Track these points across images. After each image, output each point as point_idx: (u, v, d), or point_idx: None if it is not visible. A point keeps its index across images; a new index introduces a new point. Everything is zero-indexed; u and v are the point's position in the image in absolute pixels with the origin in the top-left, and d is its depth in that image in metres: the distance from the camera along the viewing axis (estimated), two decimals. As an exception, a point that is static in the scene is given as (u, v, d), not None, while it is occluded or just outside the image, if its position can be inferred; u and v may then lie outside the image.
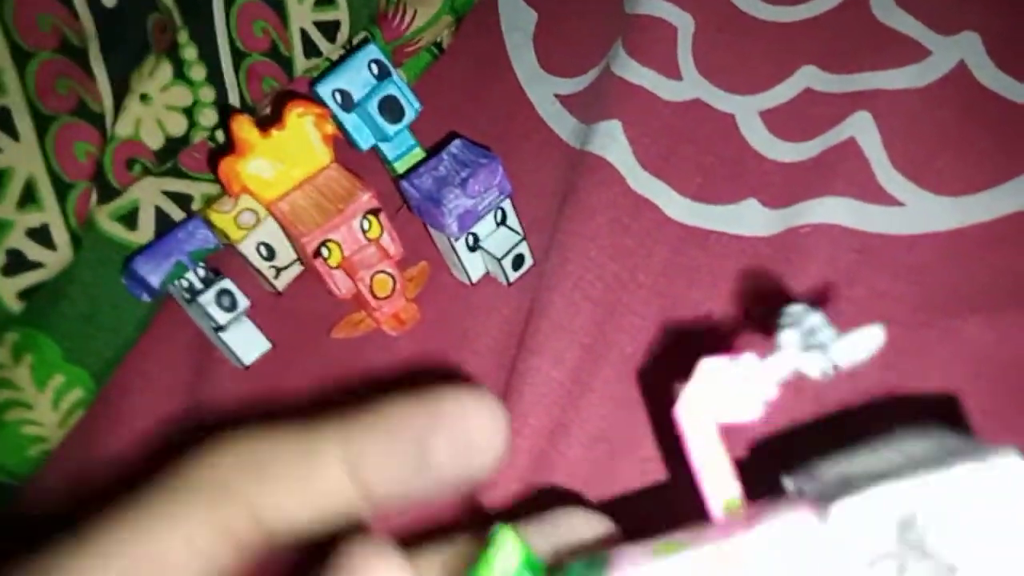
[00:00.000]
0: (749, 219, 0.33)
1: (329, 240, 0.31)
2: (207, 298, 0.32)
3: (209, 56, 0.35)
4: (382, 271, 0.31)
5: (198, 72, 0.35)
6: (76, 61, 0.32)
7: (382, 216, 0.32)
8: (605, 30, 0.40)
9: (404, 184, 0.33)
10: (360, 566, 0.14)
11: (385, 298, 0.32)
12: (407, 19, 0.39)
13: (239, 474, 0.15)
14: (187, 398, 0.36)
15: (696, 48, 0.37)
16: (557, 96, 0.39)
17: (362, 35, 0.39)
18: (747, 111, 0.35)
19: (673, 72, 0.37)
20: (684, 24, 0.37)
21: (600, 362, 0.31)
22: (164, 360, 0.36)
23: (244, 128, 0.30)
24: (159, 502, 0.15)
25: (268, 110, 0.36)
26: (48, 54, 0.31)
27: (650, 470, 0.29)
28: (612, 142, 0.35)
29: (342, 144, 0.35)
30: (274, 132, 0.31)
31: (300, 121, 0.31)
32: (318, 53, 0.37)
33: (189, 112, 0.35)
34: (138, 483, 0.15)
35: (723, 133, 0.35)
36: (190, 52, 0.34)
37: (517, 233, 0.34)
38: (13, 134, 0.31)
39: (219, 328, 0.33)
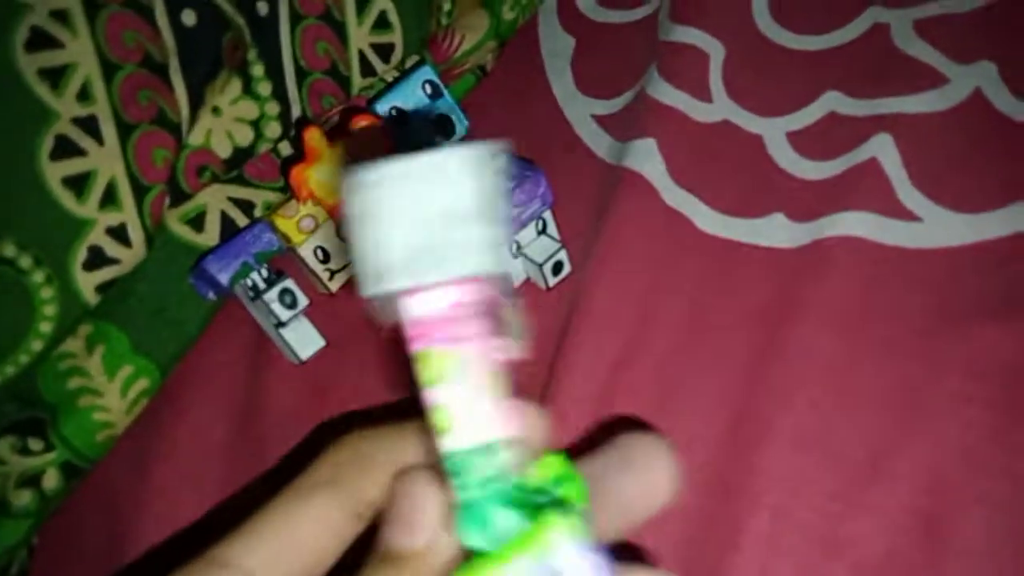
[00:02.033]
0: (776, 232, 0.35)
1: (386, 243, 0.33)
2: (271, 296, 0.35)
3: (275, 73, 0.37)
4: (435, 272, 0.34)
5: (265, 88, 0.37)
6: (157, 74, 0.35)
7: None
8: (639, 56, 0.42)
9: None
10: (411, 489, 0.19)
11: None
12: (455, 43, 0.42)
13: (351, 470, 0.20)
14: (244, 391, 0.38)
15: (726, 73, 0.40)
16: (594, 116, 0.42)
17: (414, 58, 0.42)
18: (774, 132, 0.38)
19: (704, 95, 0.39)
20: (715, 51, 0.40)
21: (635, 361, 0.34)
22: (224, 356, 0.39)
23: (315, 138, 0.32)
24: (299, 496, 0.19)
25: (336, 120, 0.39)
26: (132, 67, 0.34)
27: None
28: (647, 158, 0.37)
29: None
30: (340, 143, 0.33)
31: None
32: (373, 73, 0.40)
33: (256, 125, 0.37)
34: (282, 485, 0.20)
35: (751, 152, 0.38)
36: (258, 69, 0.37)
37: (557, 241, 0.36)
38: (99, 139, 0.33)
39: (280, 324, 0.35)
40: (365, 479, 0.19)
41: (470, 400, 0.17)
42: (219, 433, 0.37)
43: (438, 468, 0.19)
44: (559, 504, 0.18)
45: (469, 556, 0.18)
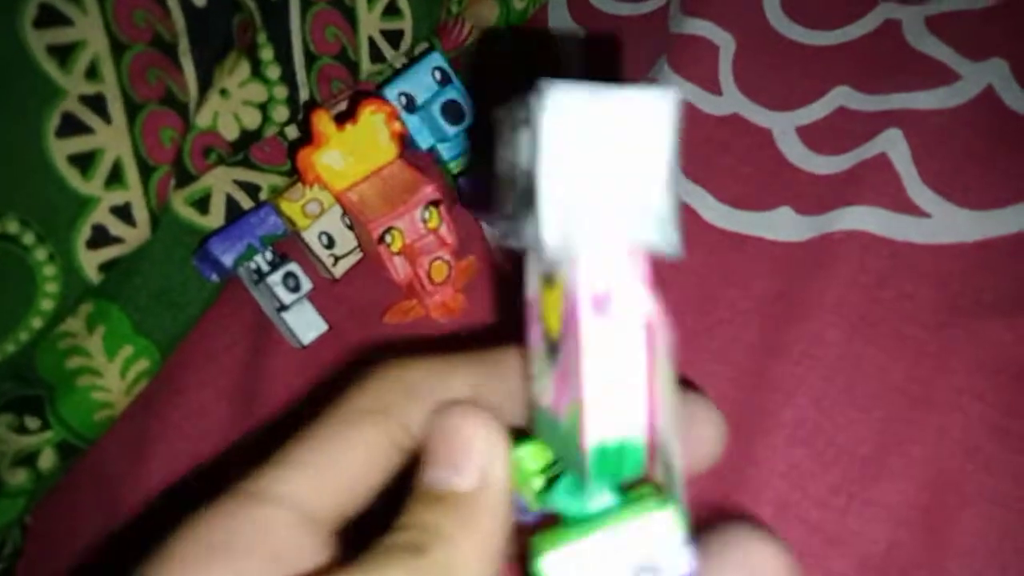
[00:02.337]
0: (783, 225, 0.35)
1: (393, 227, 0.33)
2: (274, 279, 0.34)
3: (284, 57, 0.37)
4: (440, 258, 0.33)
5: (273, 71, 0.37)
6: (166, 54, 0.34)
7: (441, 208, 0.34)
8: (649, 47, 0.42)
9: (461, 180, 0.35)
10: (457, 425, 0.17)
11: (441, 283, 0.34)
12: (465, 31, 0.42)
13: (396, 398, 0.18)
14: (245, 374, 0.38)
15: (736, 66, 0.39)
16: (602, 108, 0.42)
17: (423, 45, 0.41)
18: (783, 126, 0.38)
19: (714, 88, 0.39)
20: (725, 44, 0.40)
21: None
22: (225, 339, 0.39)
23: (322, 122, 0.32)
24: (341, 423, 0.18)
25: (344, 106, 0.39)
26: (141, 46, 0.34)
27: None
28: (656, 150, 0.37)
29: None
30: (348, 127, 0.33)
31: (372, 118, 0.33)
32: (382, 59, 0.40)
33: (263, 108, 0.37)
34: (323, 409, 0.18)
35: (760, 146, 0.37)
36: (267, 52, 0.37)
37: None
38: (106, 118, 0.33)
39: (282, 308, 0.35)
40: (412, 409, 0.18)
41: (613, 381, 0.16)
42: (219, 416, 0.37)
43: (485, 403, 0.18)
44: (657, 491, 0.17)
45: (553, 520, 0.17)
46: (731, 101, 0.39)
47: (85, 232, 0.33)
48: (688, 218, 0.36)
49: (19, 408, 0.35)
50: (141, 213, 0.34)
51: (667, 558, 0.16)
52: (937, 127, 0.35)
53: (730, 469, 0.30)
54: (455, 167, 0.38)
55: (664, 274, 0.35)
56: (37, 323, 0.33)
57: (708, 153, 0.37)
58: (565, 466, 0.17)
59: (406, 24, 0.39)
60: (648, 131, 0.15)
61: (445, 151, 0.38)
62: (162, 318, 0.37)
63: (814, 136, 0.37)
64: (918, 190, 0.34)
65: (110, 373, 0.36)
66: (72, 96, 0.32)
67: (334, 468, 0.17)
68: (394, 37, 0.39)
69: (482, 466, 0.17)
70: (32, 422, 0.35)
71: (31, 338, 0.33)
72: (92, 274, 0.34)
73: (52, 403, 0.35)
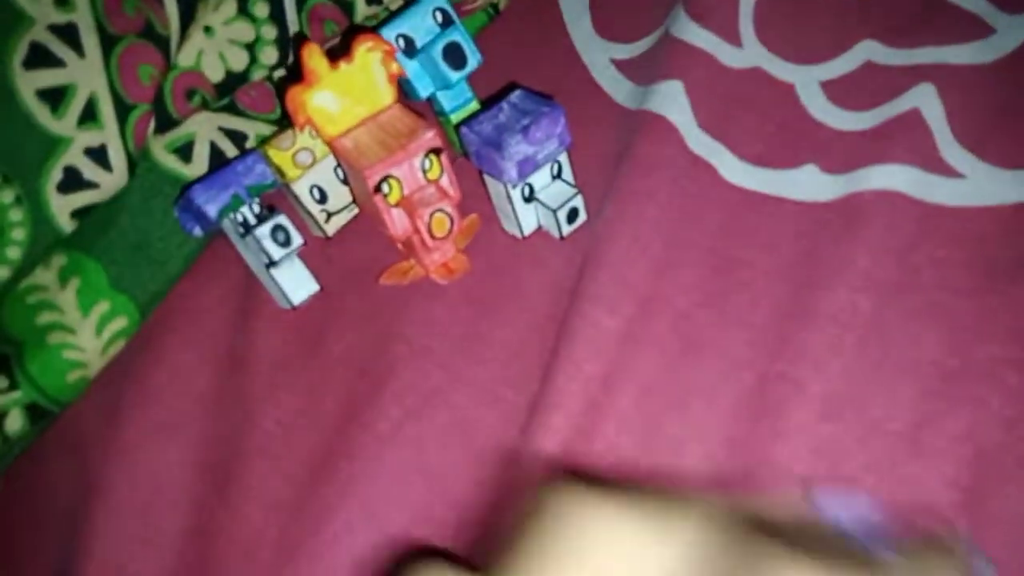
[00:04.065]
0: (807, 184, 0.33)
1: (390, 176, 0.30)
2: (262, 232, 0.32)
3: (274, -6, 0.35)
4: (441, 210, 0.31)
5: (262, 9, 0.34)
6: (145, -15, 0.32)
7: (443, 156, 0.31)
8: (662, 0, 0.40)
9: (464, 130, 0.33)
10: None
11: (443, 238, 0.32)
12: (467, -27, 0.39)
13: (593, 544, 0.14)
14: (230, 337, 0.35)
15: (757, 17, 0.37)
16: (613, 60, 0.39)
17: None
18: (807, 81, 0.35)
19: (734, 39, 0.37)
20: (746, -7, 0.37)
21: (653, 315, 0.31)
22: (208, 298, 0.36)
23: (314, 58, 0.30)
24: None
25: (337, 41, 0.36)
26: (118, -24, 0.31)
27: (696, 425, 0.29)
28: (673, 101, 0.35)
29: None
30: (342, 65, 0.30)
31: (368, 57, 0.31)
32: (379, 1, 0.37)
33: (251, 48, 0.35)
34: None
35: (783, 101, 0.35)
36: (255, -11, 0.34)
37: (572, 187, 0.34)
38: (79, 50, 0.30)
39: (271, 264, 0.33)
40: (611, 564, 0.14)
41: None
42: (201, 382, 0.35)
43: None
44: None
45: None
46: (752, 54, 0.36)
47: (56, 175, 0.30)
48: (706, 174, 0.34)
49: (-16, 367, 0.32)
50: (118, 156, 0.32)
51: None
52: (971, 83, 0.33)
53: (756, 442, 0.28)
54: (456, 118, 0.36)
55: (679, 233, 0.33)
56: (3, 272, 0.31)
57: (727, 107, 0.35)
58: None
59: (406, -37, 0.37)
60: None
61: (446, 100, 0.35)
62: (141, 273, 0.34)
63: (840, 91, 0.35)
64: (951, 150, 0.32)
65: (84, 331, 0.33)
66: (40, 25, 0.30)
67: None
68: (393, -24, 0.37)
69: None
70: (-1, 381, 0.32)
71: (-4, 290, 0.31)
72: (64, 221, 0.31)
73: (20, 361, 0.33)
